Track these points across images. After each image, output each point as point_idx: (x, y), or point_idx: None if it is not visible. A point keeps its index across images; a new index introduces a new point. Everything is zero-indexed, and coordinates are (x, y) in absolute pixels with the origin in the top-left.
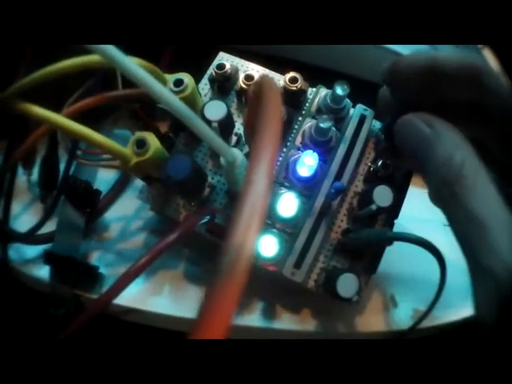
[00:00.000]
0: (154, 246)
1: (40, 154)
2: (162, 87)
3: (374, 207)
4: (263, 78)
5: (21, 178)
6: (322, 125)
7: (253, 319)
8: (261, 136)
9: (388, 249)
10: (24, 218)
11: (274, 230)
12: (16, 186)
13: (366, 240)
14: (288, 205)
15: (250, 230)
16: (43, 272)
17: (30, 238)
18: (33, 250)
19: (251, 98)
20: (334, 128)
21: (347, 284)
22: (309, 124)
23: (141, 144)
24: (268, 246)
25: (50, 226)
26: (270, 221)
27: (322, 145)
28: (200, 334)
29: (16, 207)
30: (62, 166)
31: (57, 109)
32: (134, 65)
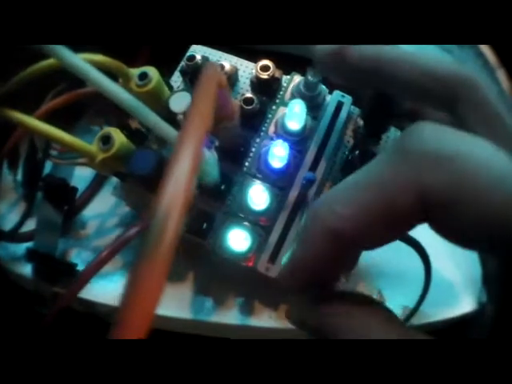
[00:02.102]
0: (114, 241)
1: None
2: (103, 77)
3: None
4: (206, 65)
5: (7, 178)
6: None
7: (230, 316)
8: (187, 119)
9: None
10: (11, 217)
11: (246, 224)
12: (3, 186)
13: None
14: (258, 197)
15: (172, 211)
16: (28, 270)
17: (13, 236)
18: (20, 248)
19: None
20: (308, 116)
21: None
22: (282, 112)
23: (106, 140)
24: (239, 240)
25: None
26: (243, 214)
27: (296, 134)
28: (117, 334)
29: (3, 206)
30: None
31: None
32: (67, 53)
